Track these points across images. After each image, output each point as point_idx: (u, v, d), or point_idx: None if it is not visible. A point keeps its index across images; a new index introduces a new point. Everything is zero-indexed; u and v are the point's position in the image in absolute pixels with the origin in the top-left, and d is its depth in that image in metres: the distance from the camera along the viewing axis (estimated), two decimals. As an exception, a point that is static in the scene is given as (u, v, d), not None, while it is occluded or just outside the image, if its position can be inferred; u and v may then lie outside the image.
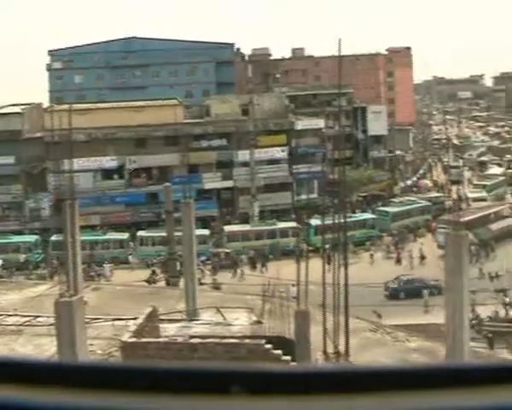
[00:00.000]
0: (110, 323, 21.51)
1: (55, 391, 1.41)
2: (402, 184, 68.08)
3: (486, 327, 22.99)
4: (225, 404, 1.38)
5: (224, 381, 1.39)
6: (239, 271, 44.96)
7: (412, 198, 60.36)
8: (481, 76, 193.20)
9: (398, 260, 46.50)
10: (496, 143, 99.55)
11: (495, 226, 49.98)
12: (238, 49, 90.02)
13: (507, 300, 27.55)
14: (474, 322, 22.27)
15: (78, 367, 1.53)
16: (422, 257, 45.51)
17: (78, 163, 56.04)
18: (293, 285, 19.67)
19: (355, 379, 1.40)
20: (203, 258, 43.26)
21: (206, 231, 49.87)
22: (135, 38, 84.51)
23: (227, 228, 52.87)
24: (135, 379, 1.43)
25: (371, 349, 20.27)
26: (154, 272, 41.69)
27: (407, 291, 37.83)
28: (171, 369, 1.47)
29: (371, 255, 46.84)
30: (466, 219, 46.15)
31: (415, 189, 68.47)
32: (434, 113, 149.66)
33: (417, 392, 1.36)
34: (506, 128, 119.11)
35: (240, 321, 20.67)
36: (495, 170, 74.70)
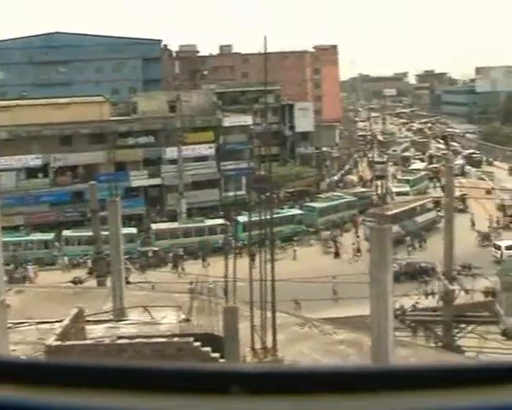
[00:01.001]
0: (34, 327, 20.97)
1: (54, 391, 1.40)
2: (328, 180, 69.17)
3: (410, 317, 23.70)
4: (225, 404, 1.38)
5: (224, 381, 1.38)
6: (180, 268, 44.80)
7: (338, 194, 61.52)
8: (405, 74, 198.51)
9: (337, 254, 47.14)
10: (418, 138, 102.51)
11: (420, 219, 51.70)
12: (165, 46, 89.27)
13: (428, 290, 28.67)
14: (398, 312, 22.84)
15: (78, 367, 1.50)
16: (358, 250, 46.50)
17: (0, 162, 54.60)
18: (224, 282, 19.74)
19: (355, 379, 1.40)
20: (129, 257, 42.74)
21: (133, 230, 49.30)
22: (58, 33, 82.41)
23: (154, 226, 52.43)
24: (135, 379, 1.42)
25: (299, 343, 20.51)
26: (91, 271, 40.72)
27: (407, 274, 38.99)
28: (171, 369, 1.47)
29: (294, 251, 47.34)
30: (393, 212, 48.49)
31: (341, 184, 69.74)
32: (360, 110, 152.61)
33: (417, 392, 1.36)
34: (429, 125, 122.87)
35: (168, 320, 20.51)
36: (418, 165, 76.96)
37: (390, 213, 47.38)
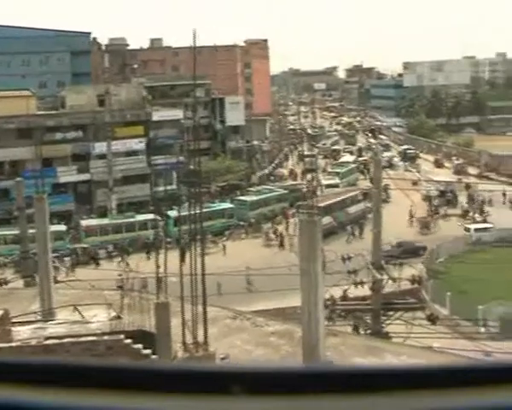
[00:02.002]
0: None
1: (55, 391, 1.39)
2: (259, 174, 69.53)
3: (339, 306, 24.16)
4: (225, 404, 1.37)
5: (224, 381, 1.38)
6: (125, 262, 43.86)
7: (269, 187, 61.96)
8: (335, 68, 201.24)
9: (282, 245, 47.23)
10: (347, 132, 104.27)
11: (351, 209, 52.74)
12: (94, 39, 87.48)
13: (357, 279, 29.30)
14: (328, 303, 23.24)
15: (78, 367, 1.49)
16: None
17: None
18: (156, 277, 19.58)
19: (355, 379, 1.40)
20: (57, 254, 41.76)
21: (62, 227, 48.26)
22: (-20, 24, 79.60)
23: (84, 223, 51.45)
24: (135, 379, 1.41)
25: (231, 336, 20.62)
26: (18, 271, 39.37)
27: (400, 253, 40.57)
28: (171, 369, 1.47)
29: (223, 246, 47.20)
30: (325, 203, 49.40)
31: (272, 178, 70.23)
32: (290, 103, 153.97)
33: (417, 392, 1.36)
34: (358, 118, 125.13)
35: (98, 318, 20.18)
36: (347, 158, 78.22)
37: (322, 204, 48.70)
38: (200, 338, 16.75)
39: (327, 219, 47.06)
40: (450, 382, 1.37)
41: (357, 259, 32.17)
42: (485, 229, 46.92)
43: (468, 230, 47.44)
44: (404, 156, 77.39)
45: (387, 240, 38.48)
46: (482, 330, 28.98)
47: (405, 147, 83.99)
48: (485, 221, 50.01)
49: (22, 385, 1.40)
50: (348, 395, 1.36)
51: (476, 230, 46.84)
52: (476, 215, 52.36)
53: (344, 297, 24.81)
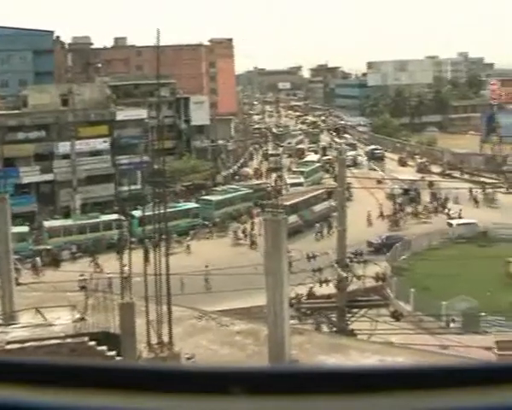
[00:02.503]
0: None
1: (55, 391, 1.38)
2: (224, 173, 69.47)
3: (305, 305, 24.26)
4: (225, 404, 1.37)
5: (224, 381, 1.37)
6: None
7: (234, 186, 61.95)
8: (299, 68, 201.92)
9: (253, 243, 46.84)
10: (312, 131, 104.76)
11: (317, 208, 53.05)
12: (58, 38, 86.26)
13: (322, 278, 29.50)
14: (293, 301, 23.33)
15: (78, 367, 1.49)
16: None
17: None
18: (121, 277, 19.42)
19: (355, 379, 1.40)
20: (19, 256, 41.14)
21: (25, 228, 47.54)
22: None
23: (47, 223, 50.73)
24: (135, 379, 1.41)
25: (196, 336, 20.57)
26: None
27: (388, 246, 42.63)
28: (171, 369, 1.47)
29: (187, 246, 46.91)
30: (291, 202, 49.81)
31: (237, 177, 70.22)
32: (255, 103, 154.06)
33: (417, 392, 1.35)
34: (322, 117, 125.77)
35: (62, 320, 19.93)
36: (312, 157, 78.54)
37: (288, 203, 49.09)
38: (165, 338, 16.68)
39: (293, 218, 47.19)
40: (450, 382, 1.38)
41: (322, 257, 32.56)
42: (467, 224, 47.79)
43: (450, 225, 48.48)
44: (372, 156, 77.05)
45: (356, 238, 39.28)
46: (452, 325, 29.41)
47: (373, 147, 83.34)
48: (450, 218, 50.88)
49: (22, 385, 1.40)
50: (348, 395, 1.37)
51: (458, 225, 47.87)
52: (443, 212, 53.23)
53: (309, 296, 24.97)
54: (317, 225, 50.04)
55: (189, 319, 21.96)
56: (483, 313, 30.33)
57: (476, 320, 30.00)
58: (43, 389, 1.39)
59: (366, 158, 76.29)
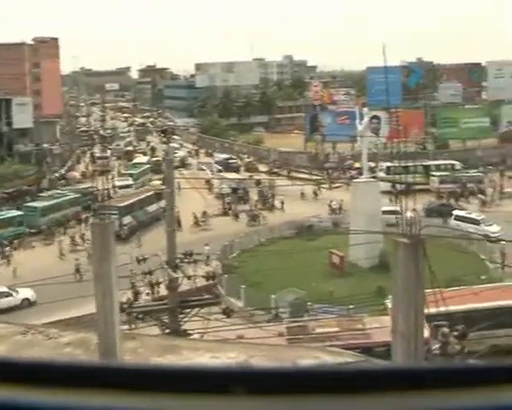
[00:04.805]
0: None
1: (55, 391, 1.37)
2: (50, 178, 66.74)
3: (136, 309, 23.99)
4: (225, 404, 1.36)
5: (225, 381, 1.37)
6: None
7: (61, 191, 59.59)
8: (128, 69, 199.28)
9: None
10: (140, 132, 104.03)
11: (151, 209, 52.65)
12: None
13: (153, 281, 29.36)
14: (125, 306, 22.97)
15: (78, 367, 1.46)
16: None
17: None
18: None
19: (355, 379, 1.38)
20: None
21: None
22: None
23: None
24: (135, 379, 1.39)
25: (22, 352, 19.57)
26: None
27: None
28: (171, 369, 1.47)
29: (7, 256, 44.16)
30: (125, 203, 49.42)
31: (64, 181, 67.70)
32: (82, 104, 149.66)
33: (417, 392, 1.34)
34: (151, 119, 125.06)
35: None
36: (141, 158, 77.96)
37: (122, 204, 48.74)
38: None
39: (128, 219, 48.30)
40: (450, 382, 1.38)
41: (153, 259, 32.38)
42: (392, 211, 49.73)
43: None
44: (227, 166, 72.29)
45: (187, 238, 39.52)
46: (284, 316, 30.50)
47: (226, 156, 78.39)
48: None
49: (22, 385, 1.38)
50: (348, 395, 1.37)
51: (384, 212, 49.44)
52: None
53: (137, 299, 24.74)
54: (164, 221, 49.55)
55: (14, 336, 20.84)
56: (309, 303, 31.85)
57: (303, 309, 31.49)
58: (43, 389, 1.38)
59: (219, 168, 71.61)
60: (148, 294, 30.25)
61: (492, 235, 43.05)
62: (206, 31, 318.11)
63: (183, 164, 73.06)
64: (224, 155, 78.86)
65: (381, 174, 56.48)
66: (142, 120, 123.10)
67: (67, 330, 21.87)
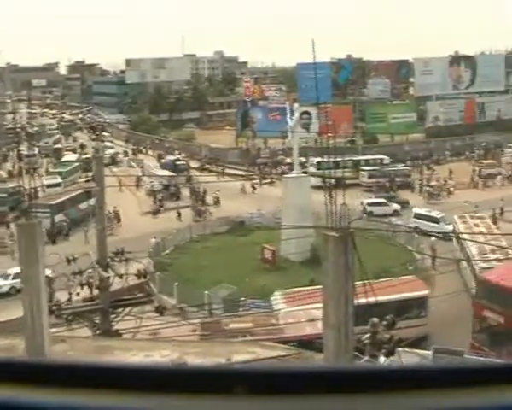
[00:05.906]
0: None
1: (54, 391, 1.37)
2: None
3: (66, 310, 23.50)
4: (226, 404, 1.36)
5: (225, 381, 1.36)
6: None
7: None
8: (56, 64, 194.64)
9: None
10: (69, 129, 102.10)
11: (83, 206, 51.76)
12: None
13: (83, 281, 28.79)
14: (54, 308, 22.48)
15: (78, 367, 1.46)
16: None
17: None
18: None
19: (355, 379, 1.39)
20: None
21: None
22: None
23: None
24: (135, 379, 1.39)
25: None
26: None
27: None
28: (171, 369, 1.46)
29: None
30: (56, 201, 49.16)
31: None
32: (8, 101, 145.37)
33: (417, 392, 1.34)
34: (80, 115, 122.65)
35: None
36: (70, 156, 76.37)
37: (54, 202, 48.77)
38: None
39: (60, 217, 48.68)
40: (450, 382, 1.38)
41: (83, 259, 31.75)
42: (377, 204, 52.14)
43: (362, 203, 51.40)
44: (175, 168, 68.75)
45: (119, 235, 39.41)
46: (218, 312, 30.55)
47: (174, 158, 74.89)
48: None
49: (22, 385, 1.38)
50: (349, 395, 1.37)
51: (369, 204, 51.85)
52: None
53: (70, 300, 24.22)
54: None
55: None
56: (242, 298, 32.00)
57: (235, 305, 31.62)
58: (43, 388, 1.38)
59: (161, 168, 69.03)
60: (78, 294, 29.88)
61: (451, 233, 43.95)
62: (136, 26, 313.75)
63: (114, 161, 72.06)
64: (172, 157, 75.24)
65: (312, 169, 57.16)
66: (71, 117, 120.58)
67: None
